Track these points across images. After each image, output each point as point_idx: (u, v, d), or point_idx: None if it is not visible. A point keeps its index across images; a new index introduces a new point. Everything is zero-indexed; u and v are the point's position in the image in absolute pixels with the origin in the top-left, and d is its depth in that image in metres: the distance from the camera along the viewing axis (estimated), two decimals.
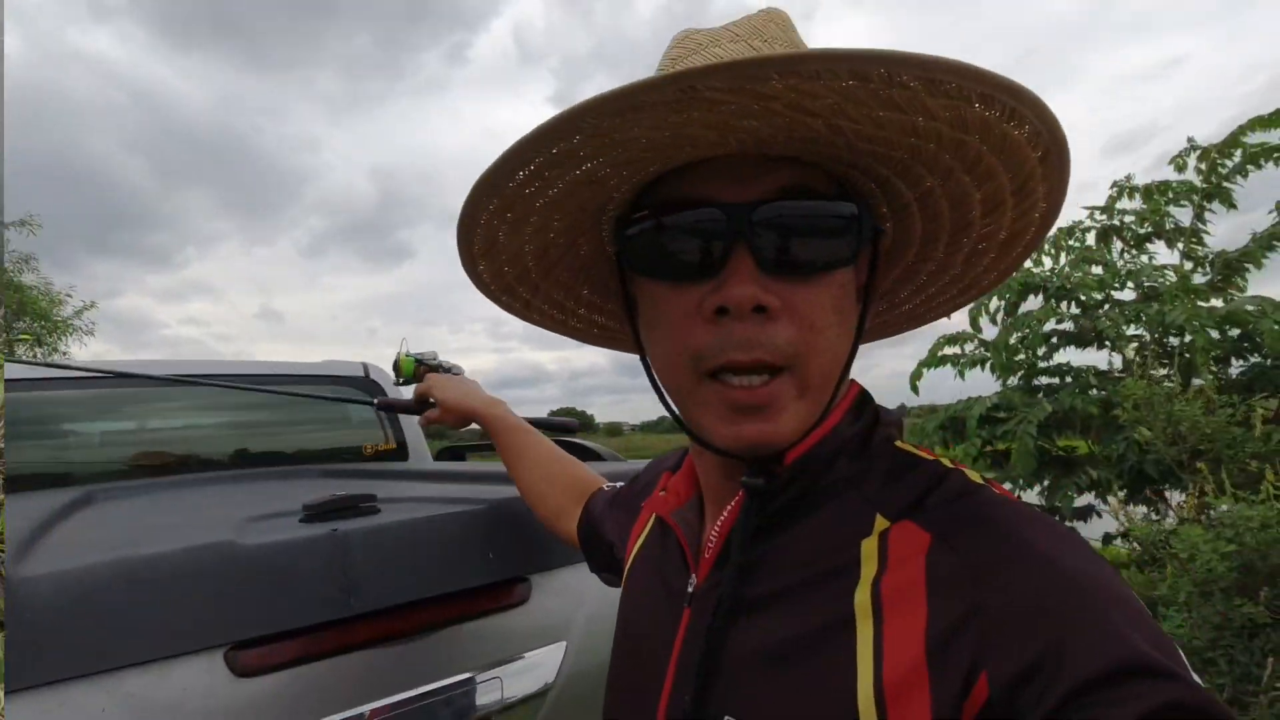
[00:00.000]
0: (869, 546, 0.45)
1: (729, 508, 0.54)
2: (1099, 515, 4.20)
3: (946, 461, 0.51)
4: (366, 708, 0.94)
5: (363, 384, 2.38)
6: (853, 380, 0.56)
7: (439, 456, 2.61)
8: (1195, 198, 4.22)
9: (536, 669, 1.12)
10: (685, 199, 0.48)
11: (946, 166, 0.47)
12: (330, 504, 1.11)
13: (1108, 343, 4.10)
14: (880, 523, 0.46)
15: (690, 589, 0.55)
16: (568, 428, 1.78)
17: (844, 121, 0.42)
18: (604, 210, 0.54)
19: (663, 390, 0.54)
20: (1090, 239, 4.66)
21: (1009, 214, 0.50)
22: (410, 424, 2.39)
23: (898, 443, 0.54)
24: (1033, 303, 4.43)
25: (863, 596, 0.43)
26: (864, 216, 0.49)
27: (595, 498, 0.93)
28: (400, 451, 2.39)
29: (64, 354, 13.90)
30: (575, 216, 0.54)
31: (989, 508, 0.44)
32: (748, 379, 0.47)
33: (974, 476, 0.49)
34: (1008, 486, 0.53)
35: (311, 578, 0.94)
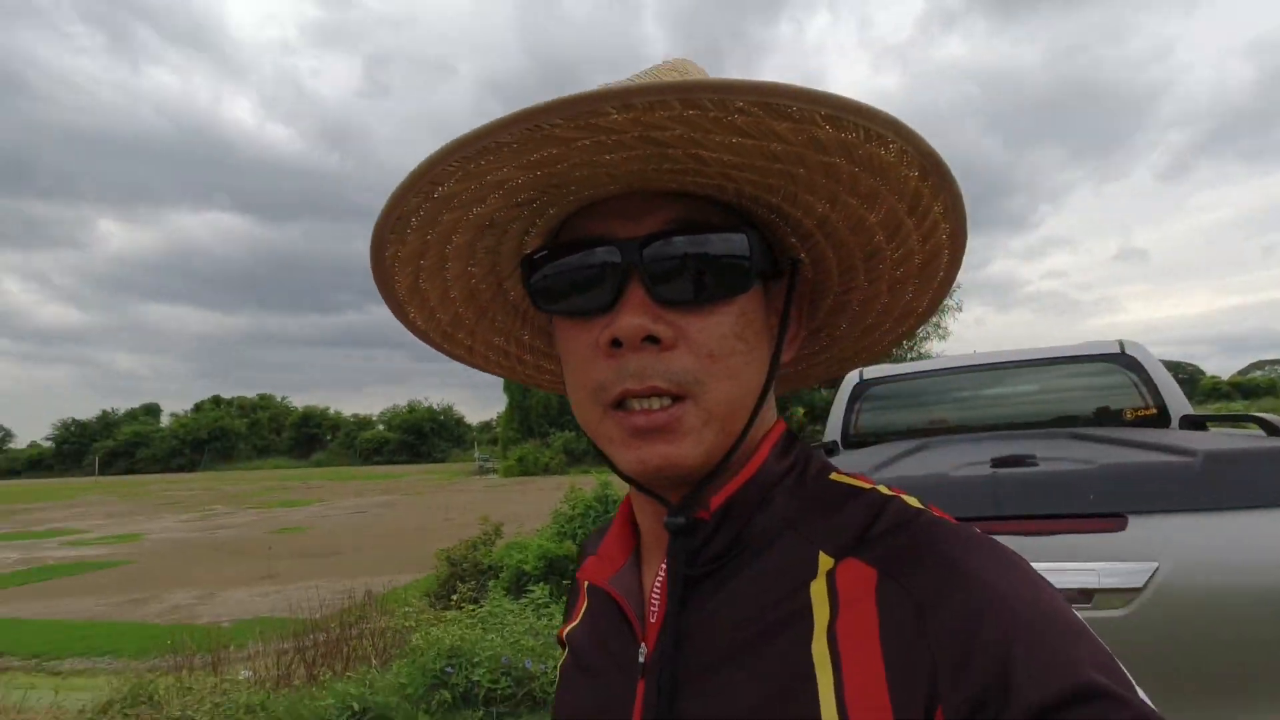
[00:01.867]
0: (818, 590, 0.44)
1: (664, 563, 0.51)
2: None
3: (884, 490, 0.49)
4: None
5: (1120, 359, 2.87)
6: (779, 418, 0.56)
7: (1181, 425, 2.75)
8: None
9: (1127, 573, 1.70)
10: (582, 238, 0.49)
11: (829, 190, 0.46)
12: (1007, 459, 2.01)
13: None
14: (824, 561, 0.45)
15: (642, 659, 0.51)
16: None
17: (703, 151, 0.42)
18: (519, 254, 0.54)
19: (582, 427, 0.52)
20: None
21: (914, 236, 0.49)
22: (1174, 392, 2.75)
23: (833, 475, 0.52)
24: None
25: (819, 647, 0.42)
26: (755, 245, 0.48)
27: None
28: (1160, 418, 2.77)
29: (941, 328, 16.75)
30: (492, 261, 0.54)
31: (930, 536, 0.44)
32: (646, 403, 0.46)
33: (912, 502, 0.48)
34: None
35: (978, 497, 1.89)
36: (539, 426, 50.58)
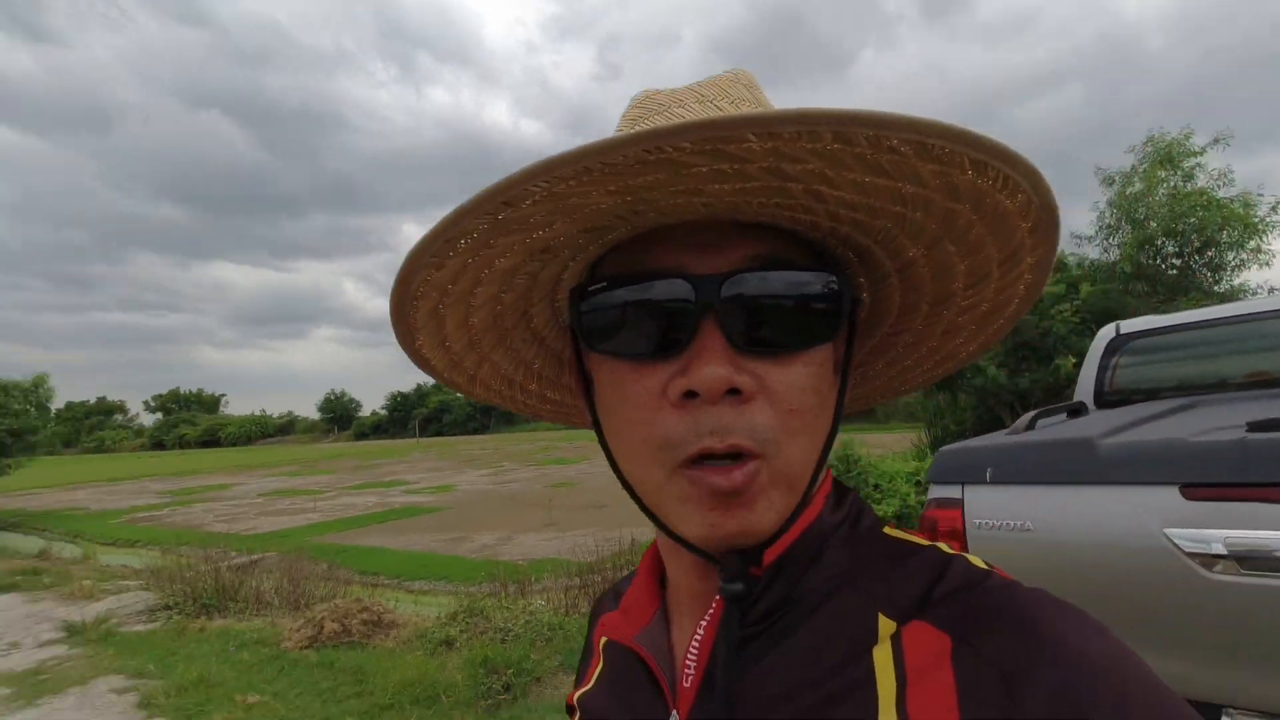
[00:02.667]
0: (881, 657, 0.39)
1: (705, 620, 0.46)
2: None
3: (944, 547, 0.45)
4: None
5: None
6: (828, 468, 0.50)
7: None
8: None
9: None
10: (647, 270, 0.43)
11: (933, 236, 0.42)
12: (1267, 423, 1.91)
13: None
14: (885, 625, 0.40)
15: None
16: None
17: (824, 187, 0.38)
18: (559, 279, 0.49)
19: (628, 480, 0.46)
20: None
21: (993, 286, 0.46)
22: None
23: (886, 529, 0.48)
24: None
25: (889, 719, 0.37)
26: (844, 289, 0.43)
27: None
28: None
29: (1263, 252, 12.85)
30: (527, 288, 0.48)
31: (1007, 598, 0.39)
32: (720, 463, 0.41)
33: (977, 562, 0.43)
34: None
35: (1224, 463, 1.83)
36: None
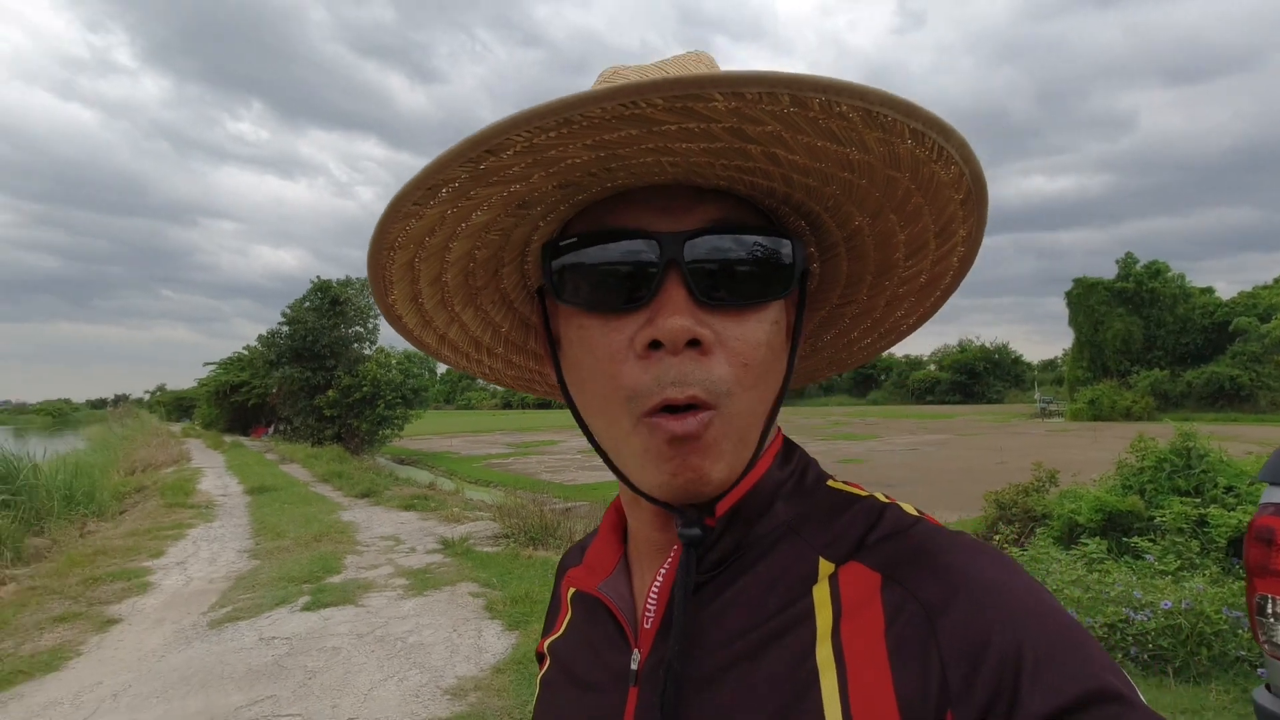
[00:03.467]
0: (820, 594, 0.43)
1: (664, 567, 0.50)
2: None
3: (881, 496, 0.49)
4: None
5: None
6: (778, 426, 0.52)
7: None
8: None
9: None
10: (616, 229, 0.45)
11: (876, 204, 0.45)
12: None
13: None
14: (825, 566, 0.44)
15: (634, 666, 0.49)
16: None
17: (780, 150, 0.40)
18: (529, 241, 0.51)
19: (593, 434, 0.49)
20: None
21: (930, 256, 0.48)
22: None
23: (830, 482, 0.52)
24: None
25: (824, 651, 0.41)
26: (798, 252, 0.47)
27: None
28: None
29: None
30: (499, 246, 0.50)
31: (931, 541, 0.43)
32: (682, 418, 0.43)
33: (910, 509, 0.47)
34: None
35: None
36: (1116, 364, 42.42)
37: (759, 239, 0.46)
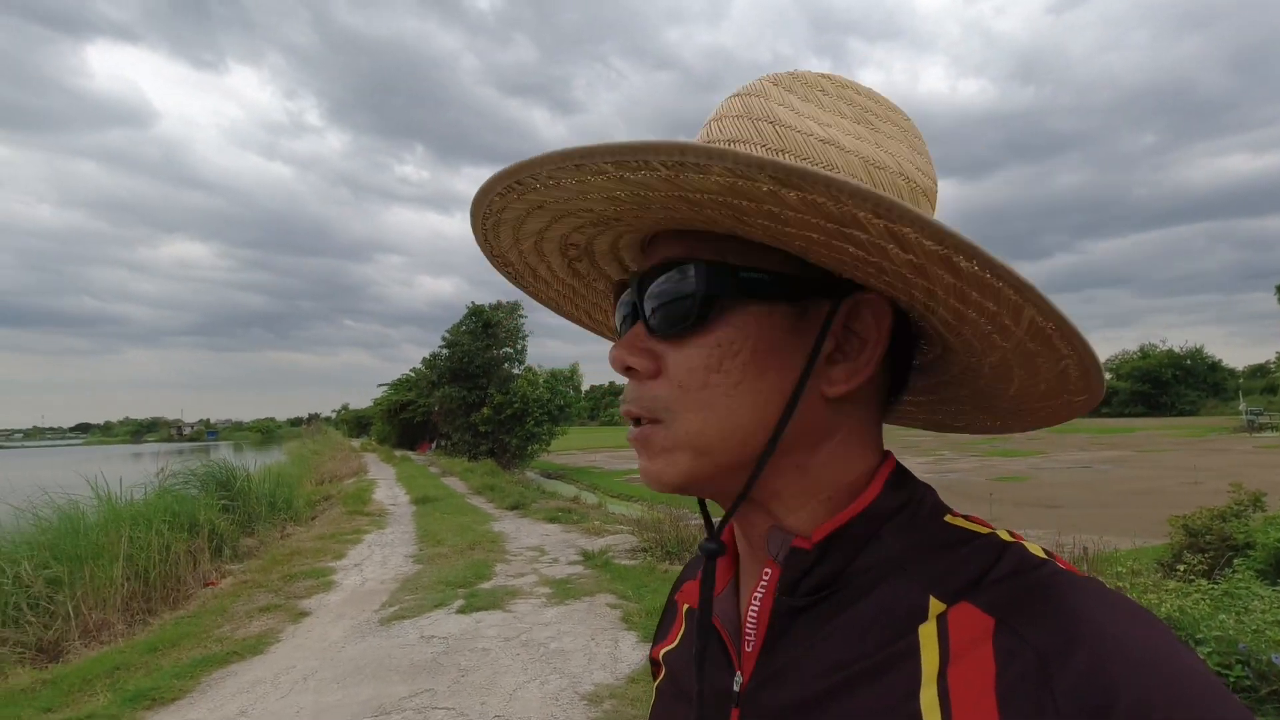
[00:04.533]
0: (927, 633, 0.41)
1: (759, 590, 0.50)
2: None
3: (1004, 535, 0.46)
4: None
5: None
6: (888, 453, 0.52)
7: None
8: None
9: None
10: (626, 275, 0.55)
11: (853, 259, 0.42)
12: None
13: None
14: (935, 605, 0.42)
15: (736, 687, 0.49)
16: None
17: (776, 223, 0.40)
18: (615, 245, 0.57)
19: None
20: None
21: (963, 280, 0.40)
22: None
23: (948, 516, 0.48)
24: None
25: (928, 695, 0.39)
26: (707, 276, 0.46)
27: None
28: None
29: None
30: (591, 240, 0.56)
31: (1053, 585, 0.40)
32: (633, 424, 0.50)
33: (1035, 550, 0.44)
34: None
35: None
36: None
37: (674, 271, 0.48)
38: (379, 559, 8.35)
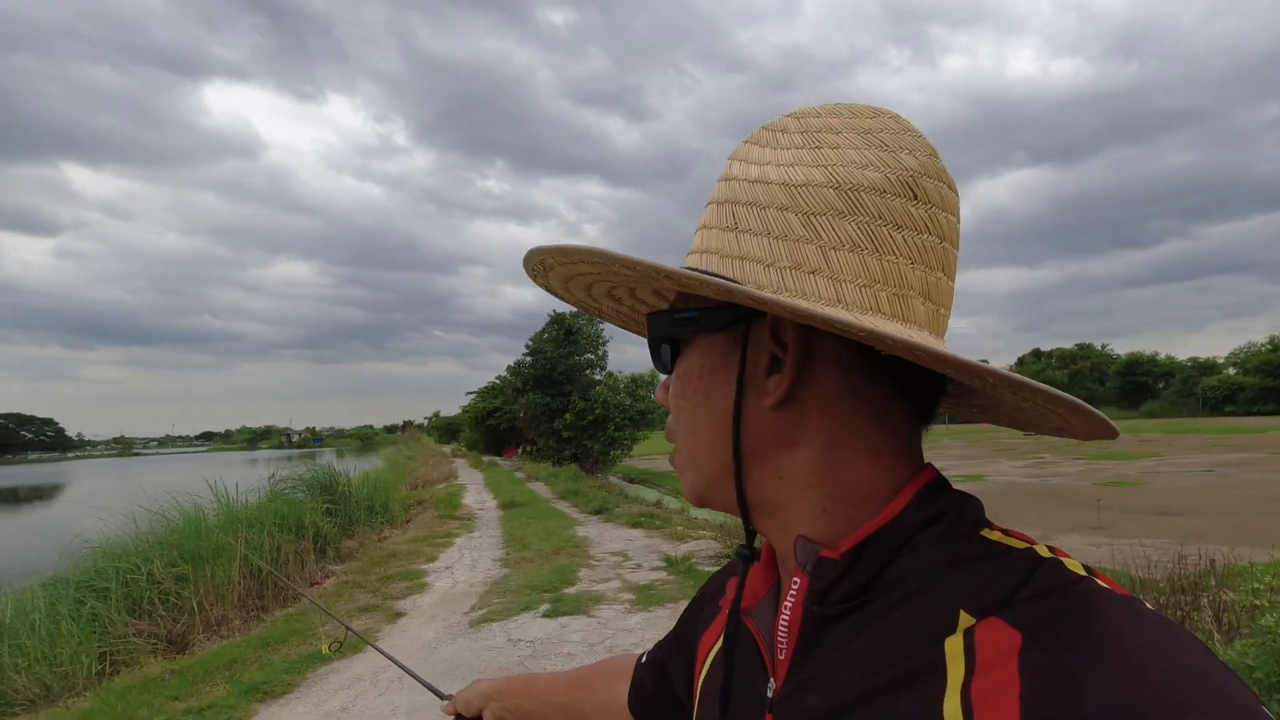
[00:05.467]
0: (953, 646, 0.41)
1: (788, 600, 0.51)
2: None
3: (1042, 550, 0.44)
4: None
5: None
6: (928, 465, 0.52)
7: None
8: None
9: None
10: None
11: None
12: None
13: None
14: (965, 620, 0.41)
15: (770, 694, 0.51)
16: None
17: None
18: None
19: None
20: None
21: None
22: None
23: (985, 531, 0.47)
24: None
25: (953, 705, 0.39)
26: (662, 324, 0.56)
27: (639, 668, 0.85)
28: None
29: None
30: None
31: (1088, 602, 0.39)
32: None
33: (1074, 566, 0.43)
34: None
35: None
36: None
37: (655, 317, 0.57)
38: (468, 562, 8.60)
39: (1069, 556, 0.44)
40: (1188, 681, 0.34)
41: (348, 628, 1.55)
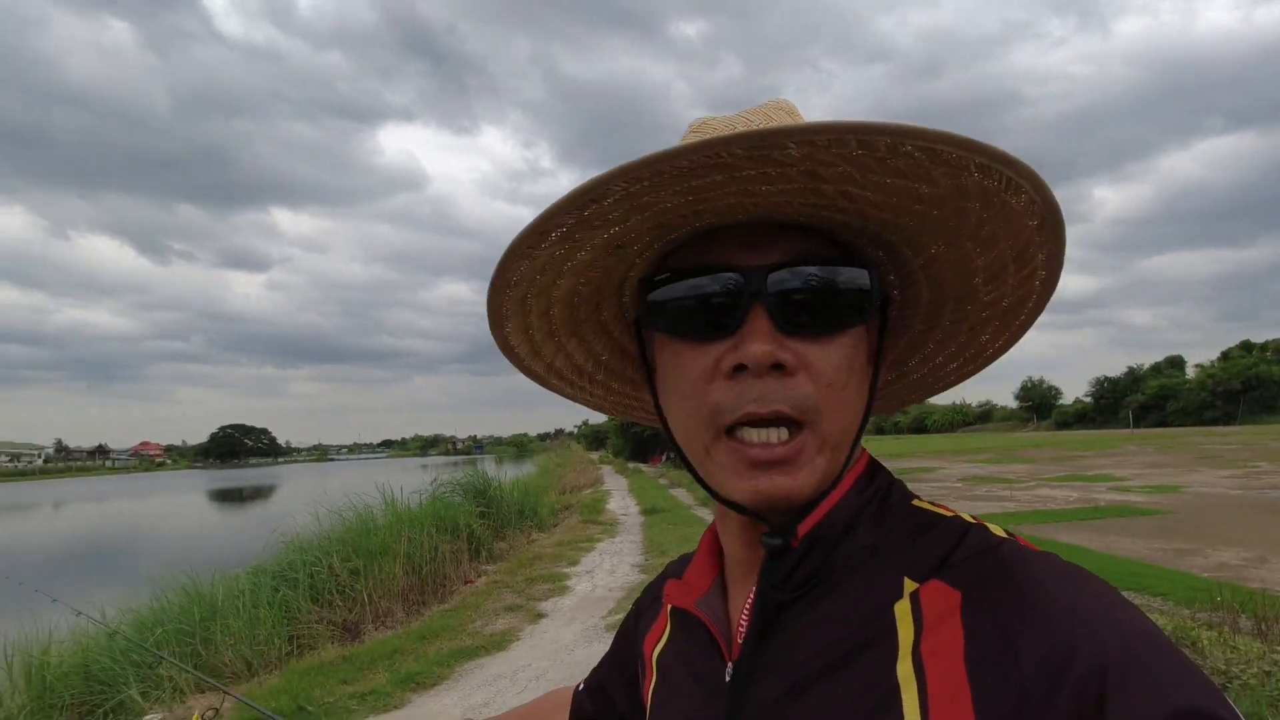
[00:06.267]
0: (902, 610, 0.44)
1: (755, 585, 0.51)
2: None
3: (967, 517, 0.49)
4: None
5: None
6: (862, 448, 0.53)
7: None
8: None
9: None
10: (704, 264, 0.49)
11: (951, 233, 0.46)
12: None
13: None
14: (908, 585, 0.45)
15: (728, 677, 0.51)
16: None
17: (853, 188, 0.43)
18: (626, 277, 0.55)
19: (683, 451, 0.52)
20: None
21: (1010, 281, 0.49)
22: None
23: (915, 501, 0.52)
24: None
25: (904, 666, 0.41)
26: (874, 281, 0.49)
27: (577, 695, 0.81)
28: None
29: None
30: (600, 282, 0.54)
31: (1014, 562, 0.43)
32: (765, 434, 0.46)
33: (997, 530, 0.47)
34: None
35: None
36: None
37: (837, 269, 0.48)
38: (608, 567, 8.74)
39: (987, 522, 0.48)
40: (1104, 620, 0.37)
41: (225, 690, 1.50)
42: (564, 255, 0.49)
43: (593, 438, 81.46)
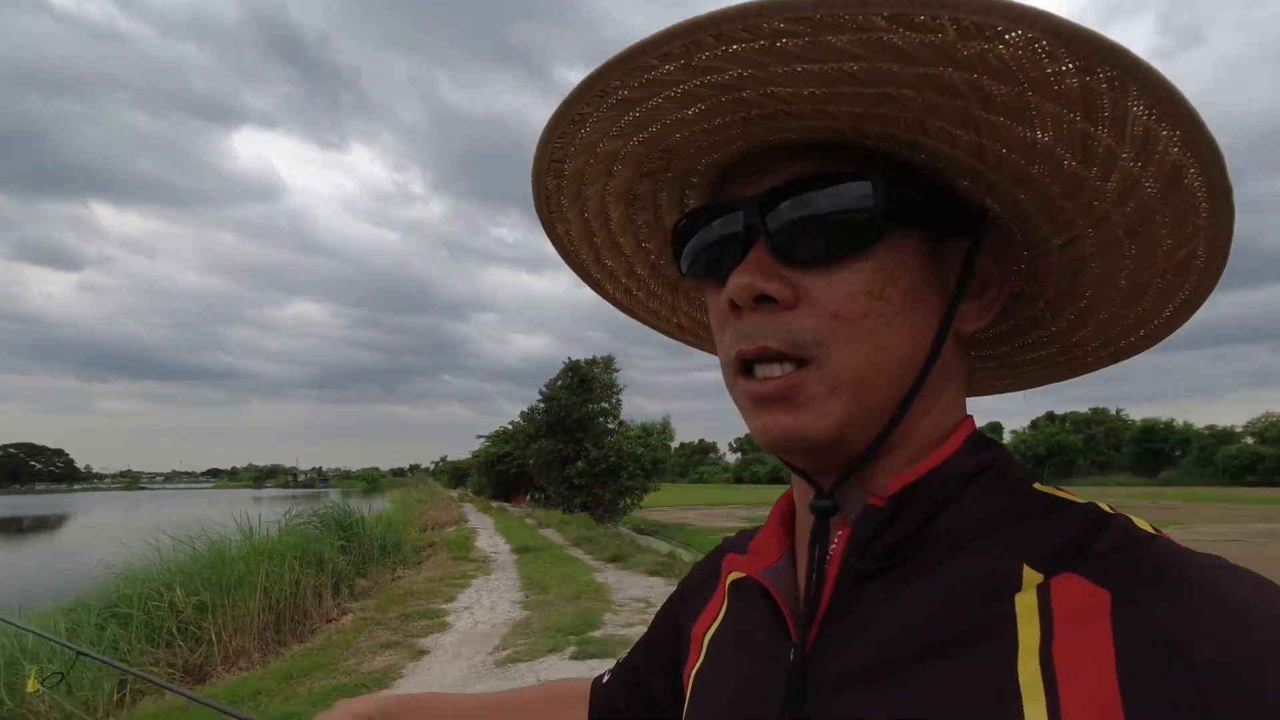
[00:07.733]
0: (1025, 604, 0.37)
1: (830, 552, 0.45)
2: None
3: (1104, 506, 0.40)
4: None
5: None
6: (968, 416, 0.48)
7: None
8: None
9: None
10: (712, 203, 0.47)
11: (958, 112, 0.37)
12: None
13: None
14: (1031, 575, 0.38)
15: (793, 657, 0.44)
16: None
17: (776, 88, 0.38)
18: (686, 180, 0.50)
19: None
20: None
21: (1123, 154, 0.36)
22: None
23: (1036, 485, 0.43)
24: None
25: (1029, 670, 0.35)
26: (882, 191, 0.40)
27: (601, 688, 0.73)
28: None
29: None
30: (651, 238, 0.54)
31: (1179, 560, 0.36)
32: (765, 368, 0.42)
33: (1142, 525, 0.39)
34: None
35: None
36: None
37: (834, 188, 0.41)
38: (487, 603, 8.45)
39: (1135, 516, 0.40)
40: None
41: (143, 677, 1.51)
42: (620, 132, 0.44)
43: (452, 474, 78.11)
